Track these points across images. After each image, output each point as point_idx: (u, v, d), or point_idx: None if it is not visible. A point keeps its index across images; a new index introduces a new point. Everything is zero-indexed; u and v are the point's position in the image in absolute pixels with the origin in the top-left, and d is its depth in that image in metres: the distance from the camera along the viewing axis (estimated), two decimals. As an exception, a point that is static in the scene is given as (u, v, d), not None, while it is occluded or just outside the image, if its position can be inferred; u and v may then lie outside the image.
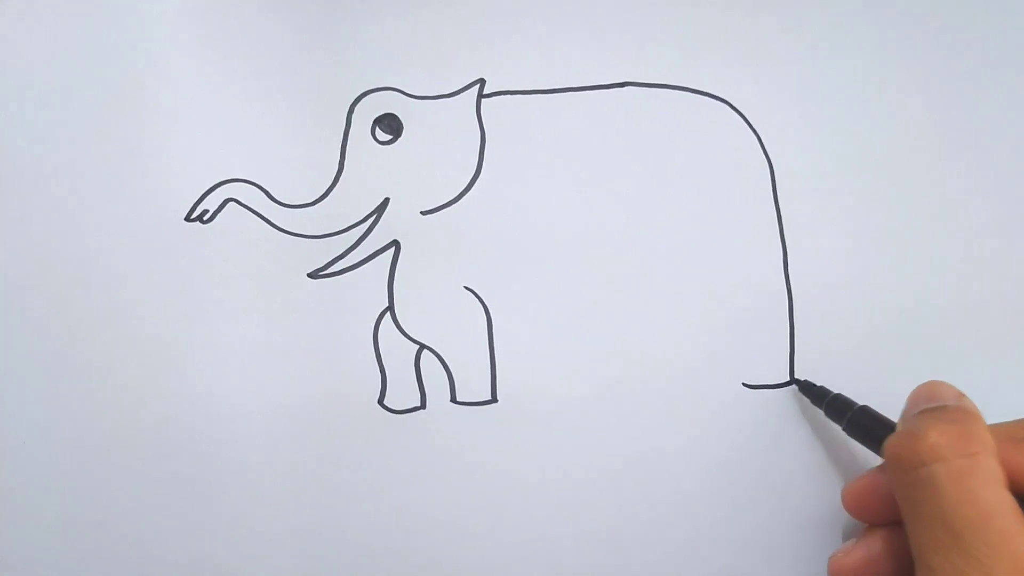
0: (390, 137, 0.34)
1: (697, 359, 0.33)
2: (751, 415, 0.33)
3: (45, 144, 0.34)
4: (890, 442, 0.26)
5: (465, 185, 0.34)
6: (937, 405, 0.27)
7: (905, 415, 0.28)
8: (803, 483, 0.33)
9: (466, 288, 0.34)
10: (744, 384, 0.33)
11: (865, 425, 0.30)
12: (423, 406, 0.33)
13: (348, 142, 0.34)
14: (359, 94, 0.34)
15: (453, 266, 0.34)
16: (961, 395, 0.27)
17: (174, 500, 0.32)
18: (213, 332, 0.33)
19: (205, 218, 0.34)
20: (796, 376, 0.33)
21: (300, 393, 0.33)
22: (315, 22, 0.35)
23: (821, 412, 0.31)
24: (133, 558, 0.32)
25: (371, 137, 0.34)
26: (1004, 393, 0.32)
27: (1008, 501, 0.24)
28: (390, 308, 0.34)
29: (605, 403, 0.33)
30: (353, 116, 0.34)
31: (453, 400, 0.33)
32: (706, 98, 0.35)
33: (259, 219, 0.34)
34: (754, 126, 0.34)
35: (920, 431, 0.25)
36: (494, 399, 0.33)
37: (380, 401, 0.33)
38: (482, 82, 0.34)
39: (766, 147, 0.34)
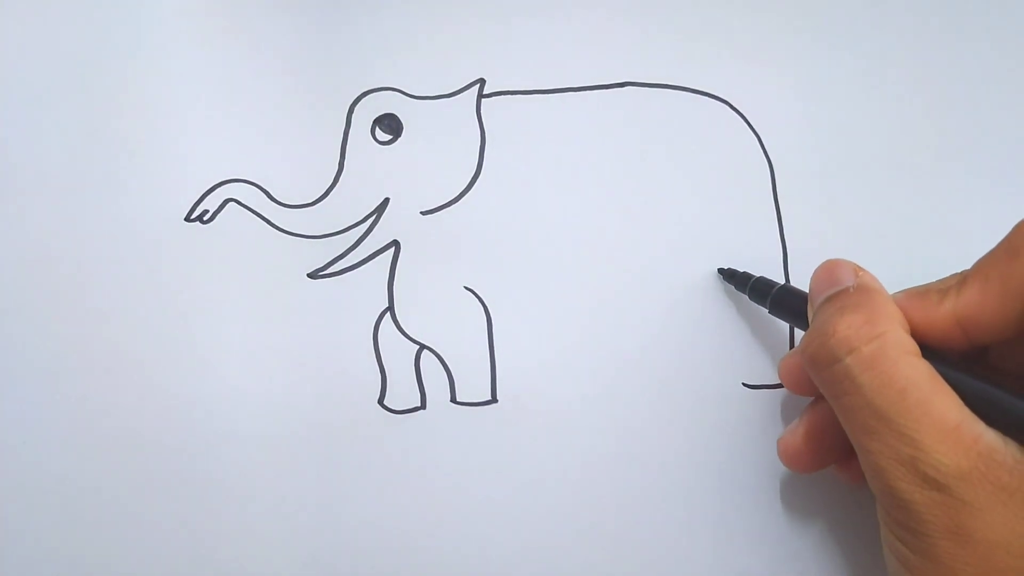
0: (390, 137, 0.34)
1: (697, 359, 0.33)
2: (751, 415, 0.33)
3: (45, 144, 0.34)
4: (804, 344, 0.27)
5: (465, 185, 0.34)
6: (837, 289, 0.27)
7: (811, 303, 0.29)
8: (802, 483, 0.33)
9: (466, 288, 0.34)
10: (744, 384, 0.33)
11: (787, 302, 0.30)
12: (423, 406, 0.33)
13: (348, 142, 0.34)
14: (359, 94, 0.34)
15: (453, 266, 0.34)
16: (858, 270, 0.28)
17: (174, 500, 0.32)
18: (213, 332, 0.33)
19: (205, 218, 0.34)
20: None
21: (300, 393, 0.33)
22: (315, 22, 0.35)
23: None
24: (133, 558, 0.32)
25: (371, 137, 0.34)
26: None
27: (921, 369, 0.24)
28: (390, 308, 0.34)
29: (605, 403, 0.33)
30: (353, 116, 0.34)
31: (453, 400, 0.33)
32: (706, 98, 0.35)
33: (259, 219, 0.34)
34: (754, 126, 0.34)
35: (827, 327, 0.26)
36: (494, 399, 0.33)
37: (380, 401, 0.33)
38: (482, 82, 0.35)
39: (766, 147, 0.34)
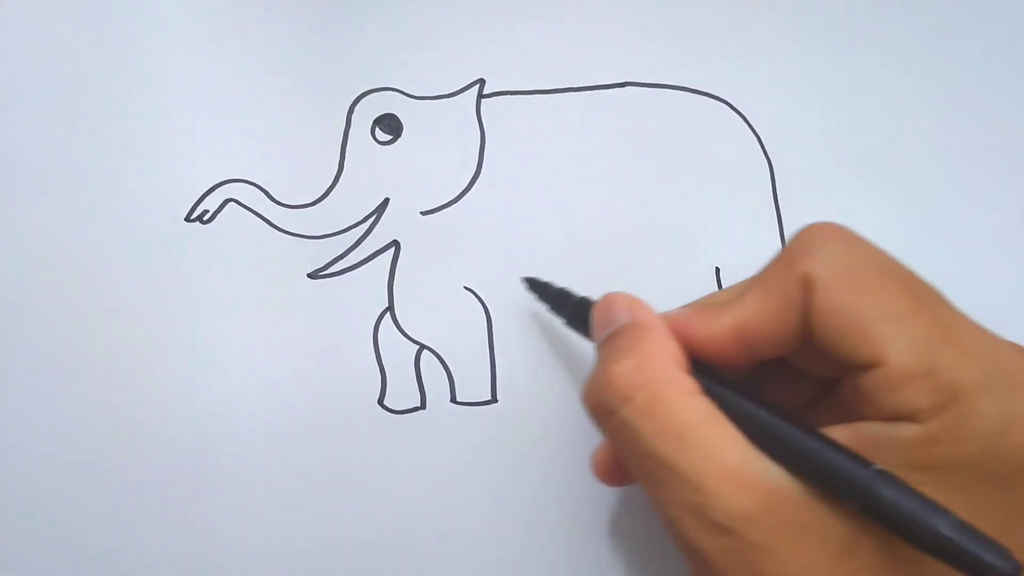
0: (390, 137, 0.34)
1: (697, 359, 0.33)
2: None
3: (45, 144, 0.34)
4: (584, 395, 0.26)
5: (465, 185, 0.34)
6: (612, 330, 0.26)
7: (596, 339, 0.27)
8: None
9: (466, 288, 0.34)
10: (744, 384, 0.33)
11: (584, 317, 0.29)
12: (423, 406, 0.33)
13: (348, 142, 0.34)
14: (359, 94, 0.34)
15: (453, 266, 0.34)
16: (631, 305, 0.27)
17: (173, 500, 0.32)
18: (213, 332, 0.33)
19: (205, 218, 0.34)
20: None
21: (300, 393, 0.33)
22: (315, 22, 0.35)
23: None
24: (132, 558, 0.32)
25: (371, 137, 0.34)
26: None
27: (699, 409, 0.23)
28: (390, 308, 0.34)
29: (605, 403, 0.33)
30: (353, 116, 0.34)
31: (453, 400, 0.33)
32: (706, 98, 0.35)
33: (259, 219, 0.34)
34: (754, 126, 0.34)
35: (601, 377, 0.25)
36: (494, 399, 0.33)
37: (380, 401, 0.33)
38: (482, 82, 0.35)
39: (766, 147, 0.34)
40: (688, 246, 0.34)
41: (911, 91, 0.35)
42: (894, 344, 0.21)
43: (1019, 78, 0.35)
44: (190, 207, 0.34)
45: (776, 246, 0.34)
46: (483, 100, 0.34)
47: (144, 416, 0.33)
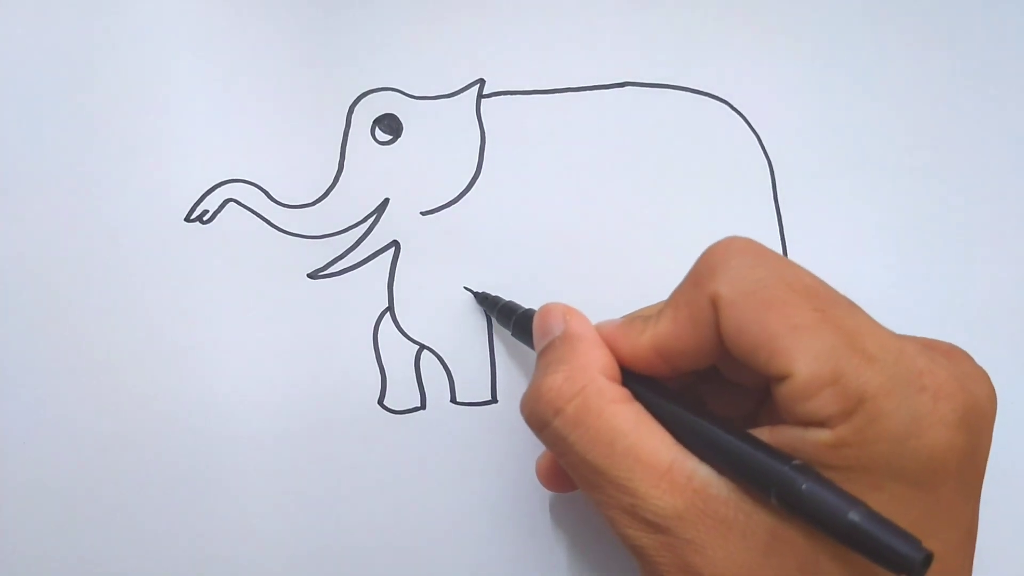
0: (390, 137, 0.34)
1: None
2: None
3: (45, 144, 0.34)
4: (521, 408, 0.27)
5: (465, 185, 0.34)
6: (547, 341, 0.27)
7: (536, 350, 0.28)
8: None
9: (466, 288, 0.34)
10: (744, 384, 0.33)
11: (528, 328, 0.30)
12: (423, 406, 0.33)
13: (348, 142, 0.34)
14: (359, 94, 0.34)
15: (453, 266, 0.34)
16: (566, 315, 0.27)
17: (174, 500, 0.32)
18: (213, 332, 0.33)
19: (205, 218, 0.34)
20: None
21: (300, 393, 0.33)
22: (315, 22, 0.35)
23: None
24: (133, 558, 0.32)
25: (371, 137, 0.34)
26: (1003, 395, 0.32)
27: (627, 416, 0.24)
28: (390, 308, 0.34)
29: (605, 403, 0.33)
30: (353, 116, 0.34)
31: (453, 400, 0.33)
32: (706, 98, 0.35)
33: (259, 219, 0.34)
34: (754, 126, 0.34)
35: (535, 390, 0.26)
36: (494, 399, 0.33)
37: (380, 401, 0.33)
38: (482, 82, 0.35)
39: (766, 147, 0.34)
40: (688, 246, 0.34)
41: (911, 91, 0.35)
42: (800, 356, 0.22)
43: (1019, 78, 0.35)
44: (190, 207, 0.34)
45: (776, 246, 0.34)
46: (483, 100, 0.34)
47: (143, 416, 0.33)
